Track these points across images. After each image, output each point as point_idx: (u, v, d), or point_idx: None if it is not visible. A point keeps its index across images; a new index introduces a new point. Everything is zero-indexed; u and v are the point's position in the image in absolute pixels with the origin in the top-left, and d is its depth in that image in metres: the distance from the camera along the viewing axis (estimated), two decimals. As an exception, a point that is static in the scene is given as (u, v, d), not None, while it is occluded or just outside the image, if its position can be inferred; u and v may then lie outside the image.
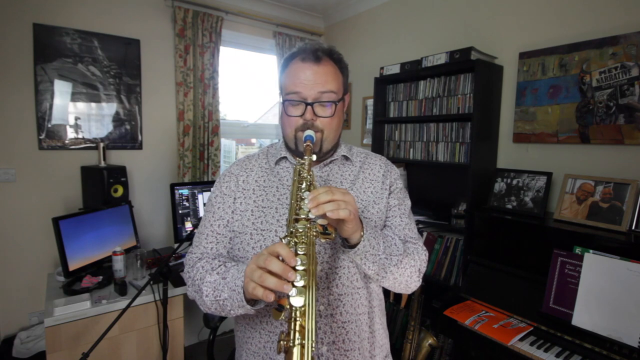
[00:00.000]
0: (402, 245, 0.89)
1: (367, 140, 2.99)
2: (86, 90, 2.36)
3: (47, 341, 1.60)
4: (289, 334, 0.60)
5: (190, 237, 1.65)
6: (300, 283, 0.63)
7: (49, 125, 2.25)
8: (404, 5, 2.71)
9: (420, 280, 0.94)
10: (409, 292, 0.95)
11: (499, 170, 1.99)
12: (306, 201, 0.70)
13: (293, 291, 0.62)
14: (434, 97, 2.23)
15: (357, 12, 3.10)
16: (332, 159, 0.98)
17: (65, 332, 1.62)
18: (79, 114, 2.35)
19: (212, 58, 2.72)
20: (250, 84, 3.40)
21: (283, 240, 0.69)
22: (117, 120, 2.49)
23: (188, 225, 2.34)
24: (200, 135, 2.74)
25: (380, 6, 2.90)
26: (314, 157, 0.83)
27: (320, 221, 0.71)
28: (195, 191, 2.40)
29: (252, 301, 0.75)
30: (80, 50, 2.32)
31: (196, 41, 2.66)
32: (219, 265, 0.85)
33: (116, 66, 2.45)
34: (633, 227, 1.50)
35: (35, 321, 2.24)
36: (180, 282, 1.96)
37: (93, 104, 2.39)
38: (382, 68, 2.46)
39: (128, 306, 1.45)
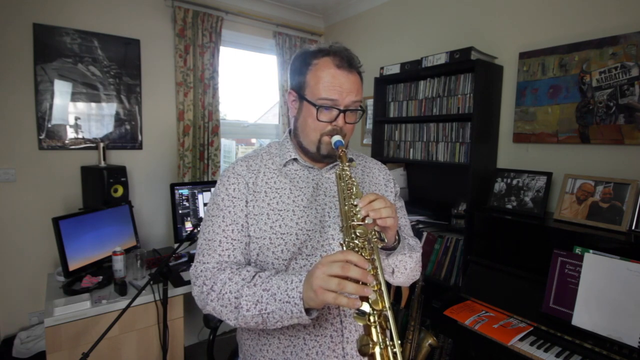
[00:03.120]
0: (415, 242, 0.98)
1: (367, 140, 2.99)
2: (86, 90, 2.36)
3: (47, 341, 1.61)
4: (369, 335, 0.63)
5: (190, 237, 1.65)
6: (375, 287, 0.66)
7: (49, 125, 2.25)
8: (404, 5, 2.71)
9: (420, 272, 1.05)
10: (410, 283, 1.03)
11: (499, 170, 1.99)
12: (359, 207, 0.73)
13: (372, 295, 0.64)
14: (434, 97, 2.23)
15: (357, 12, 3.10)
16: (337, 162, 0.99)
17: (65, 332, 1.63)
18: (79, 114, 2.35)
19: (212, 58, 2.72)
20: (250, 84, 3.40)
21: (343, 246, 0.72)
22: (117, 120, 2.49)
23: (188, 225, 2.34)
24: (200, 135, 2.74)
25: (380, 6, 2.90)
26: (356, 164, 0.93)
27: (376, 228, 0.76)
28: (195, 191, 2.40)
29: (307, 311, 0.73)
30: (80, 50, 2.32)
31: (196, 41, 2.66)
32: (253, 277, 0.80)
33: (116, 66, 2.45)
34: (633, 227, 1.50)
35: (35, 321, 2.24)
36: (180, 282, 1.96)
37: (93, 104, 2.39)
38: (382, 68, 2.46)
39: (128, 306, 1.45)
